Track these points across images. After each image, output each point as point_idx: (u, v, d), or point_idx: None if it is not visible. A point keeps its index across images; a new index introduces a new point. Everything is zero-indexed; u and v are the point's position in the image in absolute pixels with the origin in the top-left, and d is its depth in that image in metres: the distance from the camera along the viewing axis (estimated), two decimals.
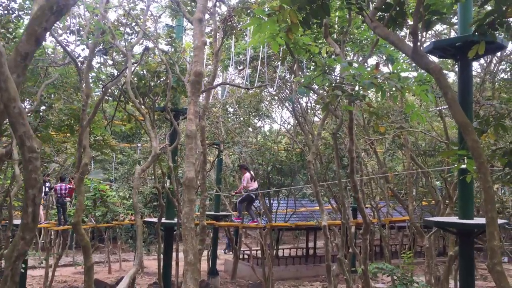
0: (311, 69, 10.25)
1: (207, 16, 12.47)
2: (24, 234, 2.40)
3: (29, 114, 10.30)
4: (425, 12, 4.86)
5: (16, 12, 10.89)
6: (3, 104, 2.39)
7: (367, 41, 10.00)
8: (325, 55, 9.01)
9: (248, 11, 11.92)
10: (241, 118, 20.71)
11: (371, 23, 4.96)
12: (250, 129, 21.86)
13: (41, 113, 11.40)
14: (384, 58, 12.17)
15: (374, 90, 5.72)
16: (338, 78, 6.73)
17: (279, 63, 13.01)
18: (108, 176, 19.26)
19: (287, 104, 18.30)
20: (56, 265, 18.15)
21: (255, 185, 15.06)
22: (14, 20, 10.78)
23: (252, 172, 15.54)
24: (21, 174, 9.77)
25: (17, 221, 12.90)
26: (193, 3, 11.91)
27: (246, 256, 24.20)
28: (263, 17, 5.37)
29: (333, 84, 6.47)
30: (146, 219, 14.52)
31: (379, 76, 5.81)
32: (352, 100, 6.80)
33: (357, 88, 6.27)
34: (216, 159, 19.73)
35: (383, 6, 5.16)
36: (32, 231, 2.41)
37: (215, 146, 18.59)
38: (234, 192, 16.94)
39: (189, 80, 6.68)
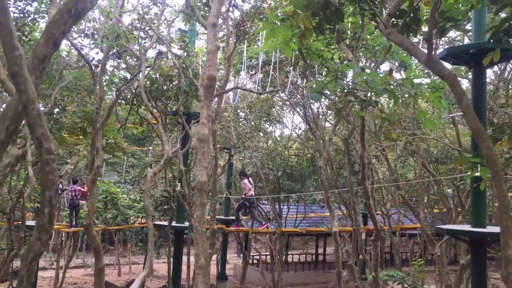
0: (323, 74, 10.24)
1: (220, 21, 12.53)
2: (40, 235, 2.43)
3: None
4: (440, 18, 4.84)
5: (32, 15, 11.05)
6: (21, 106, 2.43)
7: (380, 47, 9.96)
8: (338, 60, 9.00)
9: (261, 16, 11.97)
10: (252, 123, 20.73)
11: (385, 30, 4.95)
12: (261, 134, 21.88)
13: (54, 115, 11.51)
14: (397, 64, 12.12)
15: (386, 96, 5.70)
16: (350, 83, 6.72)
17: (291, 68, 13.03)
18: (119, 179, 19.35)
19: (298, 109, 18.30)
20: (67, 267, 18.27)
21: (251, 192, 15.11)
22: (29, 23, 10.93)
23: (250, 179, 15.56)
24: (34, 176, 9.87)
25: (29, 222, 13.03)
26: (206, 8, 12.01)
27: (255, 261, 24.19)
28: (276, 22, 5.37)
29: (346, 90, 6.46)
30: (156, 222, 14.58)
31: (392, 82, 5.79)
32: (365, 106, 6.77)
33: (369, 94, 6.25)
34: (227, 164, 19.76)
35: (397, 13, 5.15)
36: (48, 232, 2.44)
37: (226, 151, 18.62)
38: (242, 195, 17.07)
39: (202, 84, 6.71)
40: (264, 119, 20.85)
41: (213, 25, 6.02)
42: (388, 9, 5.95)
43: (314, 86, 7.51)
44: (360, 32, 9.14)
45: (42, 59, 2.81)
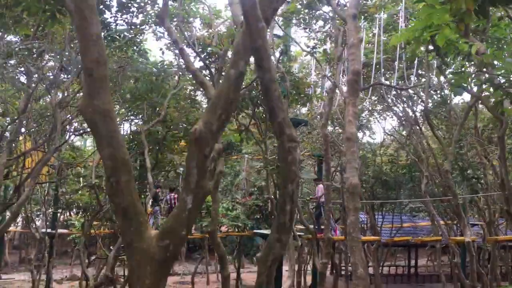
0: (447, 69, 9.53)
1: (320, 22, 12.20)
2: (281, 235, 2.08)
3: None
4: None
5: (138, 26, 11.34)
6: (263, 86, 2.11)
7: (507, 40, 9.10)
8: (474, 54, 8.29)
9: (365, 14, 11.52)
10: (340, 130, 20.06)
11: None
12: None
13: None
14: None
15: None
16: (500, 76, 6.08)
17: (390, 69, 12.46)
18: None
19: (396, 112, 17.48)
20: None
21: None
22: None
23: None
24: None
25: None
26: (305, 11, 11.82)
27: (343, 272, 23.31)
28: (435, 6, 4.93)
29: (496, 83, 5.85)
30: (256, 231, 14.35)
31: None
32: None
33: None
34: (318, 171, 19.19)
35: None
36: (289, 232, 2.10)
37: (321, 158, 18.08)
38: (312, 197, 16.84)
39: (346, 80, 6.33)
40: None
41: (353, 16, 5.62)
42: None
43: (453, 80, 6.91)
44: (485, 24, 8.39)
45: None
